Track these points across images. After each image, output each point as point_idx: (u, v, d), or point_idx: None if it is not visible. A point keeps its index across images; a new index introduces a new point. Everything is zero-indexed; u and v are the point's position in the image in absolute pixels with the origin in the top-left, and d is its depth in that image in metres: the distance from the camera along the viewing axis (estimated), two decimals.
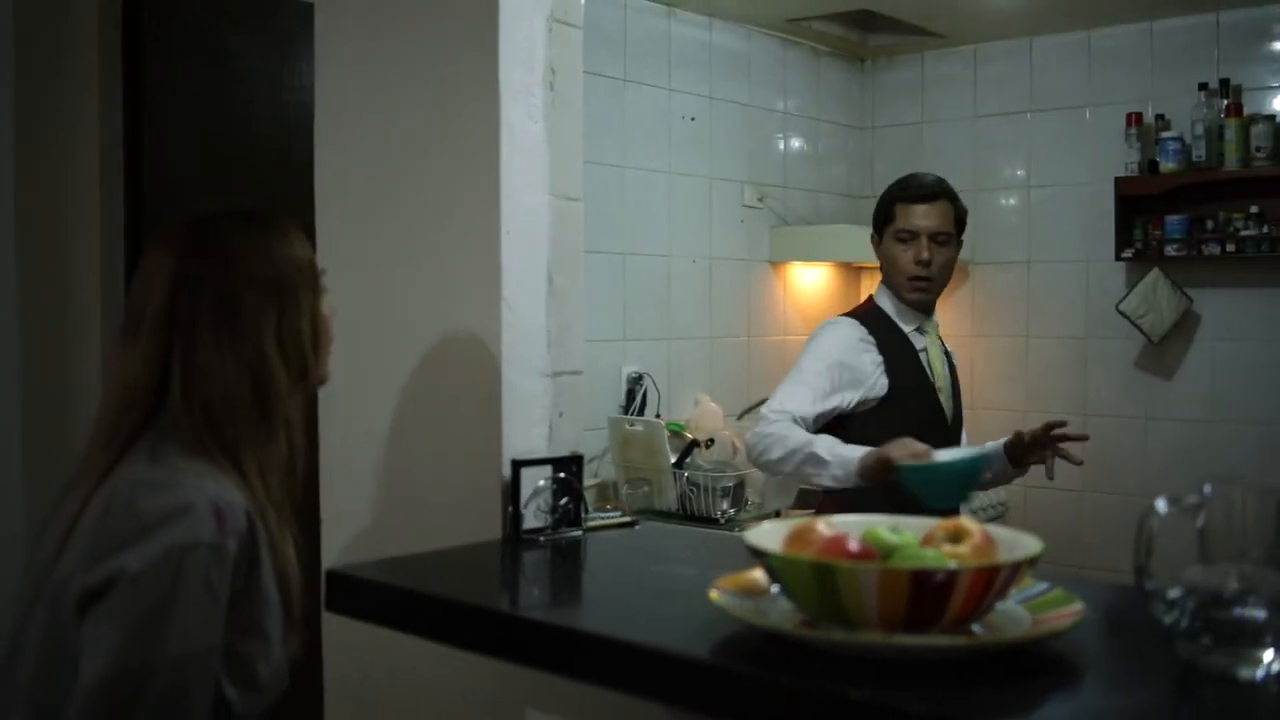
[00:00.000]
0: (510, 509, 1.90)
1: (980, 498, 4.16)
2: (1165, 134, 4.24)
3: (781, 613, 1.33)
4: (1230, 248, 4.13)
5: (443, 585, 1.66)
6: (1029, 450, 2.82)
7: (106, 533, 1.51)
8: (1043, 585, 1.39)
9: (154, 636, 1.47)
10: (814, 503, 3.36)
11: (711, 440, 4.01)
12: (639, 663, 1.35)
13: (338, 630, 2.13)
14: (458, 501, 1.98)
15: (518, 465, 1.90)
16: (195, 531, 1.49)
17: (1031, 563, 1.27)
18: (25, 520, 2.93)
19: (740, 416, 4.38)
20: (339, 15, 2.20)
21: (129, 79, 3.14)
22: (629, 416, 3.99)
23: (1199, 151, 4.16)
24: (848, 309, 3.13)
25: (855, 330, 2.93)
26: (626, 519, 2.07)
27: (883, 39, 4.83)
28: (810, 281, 4.85)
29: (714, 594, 1.36)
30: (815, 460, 2.71)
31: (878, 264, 3.04)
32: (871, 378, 2.87)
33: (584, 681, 1.44)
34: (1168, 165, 4.22)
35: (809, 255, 4.71)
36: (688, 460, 3.92)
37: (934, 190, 2.96)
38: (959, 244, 3.00)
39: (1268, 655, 1.16)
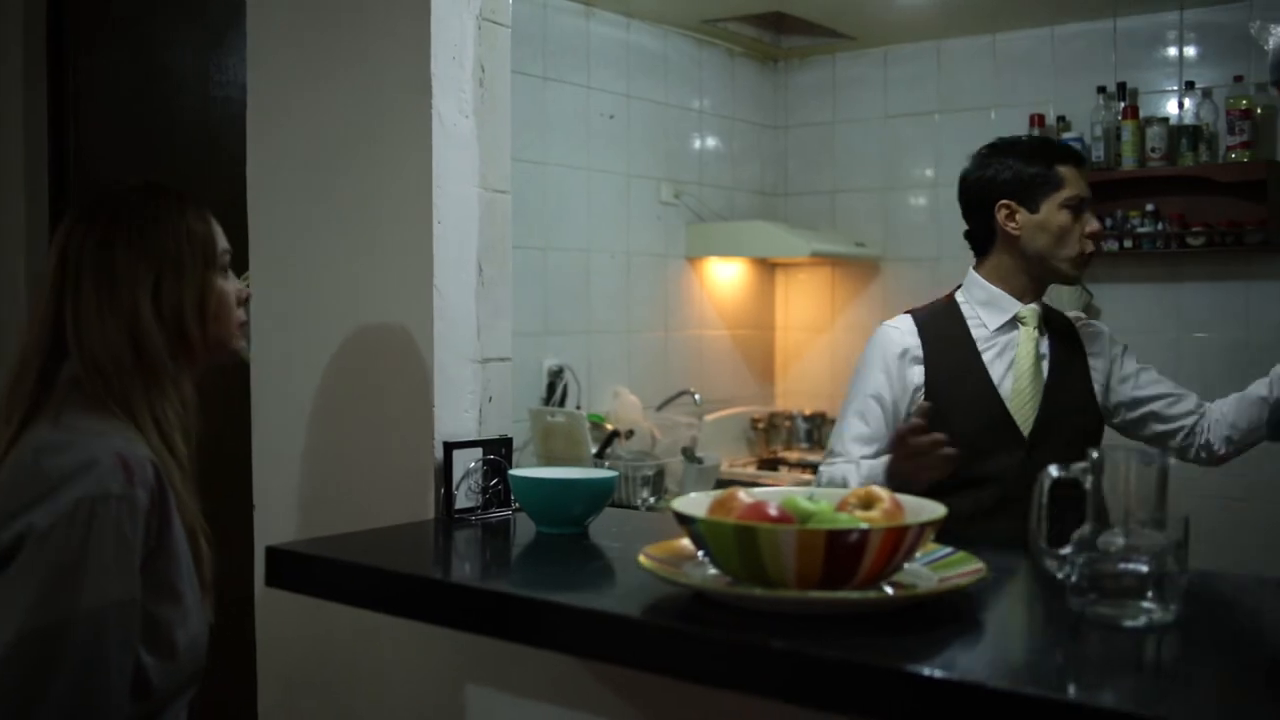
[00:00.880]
0: (442, 490, 1.97)
1: None
2: (1066, 135, 4.40)
3: (706, 575, 1.42)
4: (1128, 244, 4.29)
5: (381, 560, 1.71)
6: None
7: (13, 496, 1.53)
8: (947, 549, 1.49)
9: (69, 591, 1.47)
10: None
11: (631, 431, 4.09)
12: (578, 624, 1.42)
13: (271, 611, 2.19)
14: (391, 482, 2.04)
15: (449, 447, 1.97)
16: (103, 484, 1.52)
17: (935, 525, 1.37)
18: None
19: (659, 408, 4.46)
20: (271, 9, 2.24)
21: (55, 72, 3.11)
22: (550, 408, 4.05)
23: (1098, 152, 4.31)
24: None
25: (901, 341, 2.55)
26: None
27: (795, 40, 4.92)
28: (725, 276, 4.93)
29: (642, 559, 1.44)
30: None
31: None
32: (908, 395, 2.51)
33: (524, 643, 1.50)
34: None
35: (724, 251, 4.80)
36: (608, 450, 3.99)
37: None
38: None
39: (1149, 606, 1.28)
